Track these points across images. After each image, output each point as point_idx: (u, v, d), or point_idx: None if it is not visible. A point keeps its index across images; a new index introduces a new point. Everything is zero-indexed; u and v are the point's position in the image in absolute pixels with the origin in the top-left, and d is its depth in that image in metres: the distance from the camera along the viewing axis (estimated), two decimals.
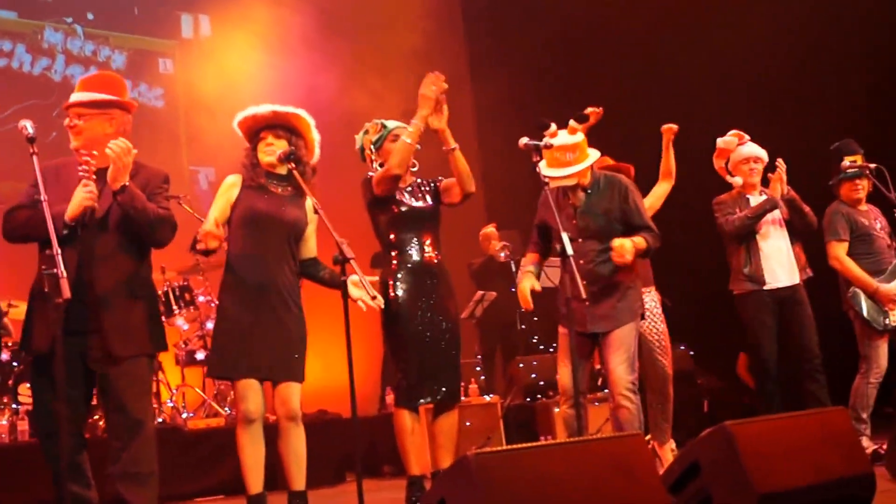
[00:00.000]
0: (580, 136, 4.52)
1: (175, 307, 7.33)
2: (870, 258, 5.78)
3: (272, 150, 4.28)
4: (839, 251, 5.80)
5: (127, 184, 3.67)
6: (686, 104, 8.63)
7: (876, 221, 5.86)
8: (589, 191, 4.60)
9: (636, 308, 4.64)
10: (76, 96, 3.88)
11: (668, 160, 5.68)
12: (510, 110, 9.74)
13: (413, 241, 4.57)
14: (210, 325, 7.52)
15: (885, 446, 4.99)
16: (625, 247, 4.37)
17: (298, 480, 4.21)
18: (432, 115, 4.40)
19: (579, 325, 4.57)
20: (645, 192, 5.49)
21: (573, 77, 10.20)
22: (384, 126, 4.67)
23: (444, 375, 4.55)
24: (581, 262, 4.44)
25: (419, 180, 4.73)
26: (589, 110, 4.98)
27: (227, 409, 7.14)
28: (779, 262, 5.73)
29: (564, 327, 4.67)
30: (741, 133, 5.86)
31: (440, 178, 4.74)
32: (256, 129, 4.35)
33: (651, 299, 5.54)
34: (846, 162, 5.80)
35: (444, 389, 4.55)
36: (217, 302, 4.39)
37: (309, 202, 4.23)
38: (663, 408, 5.54)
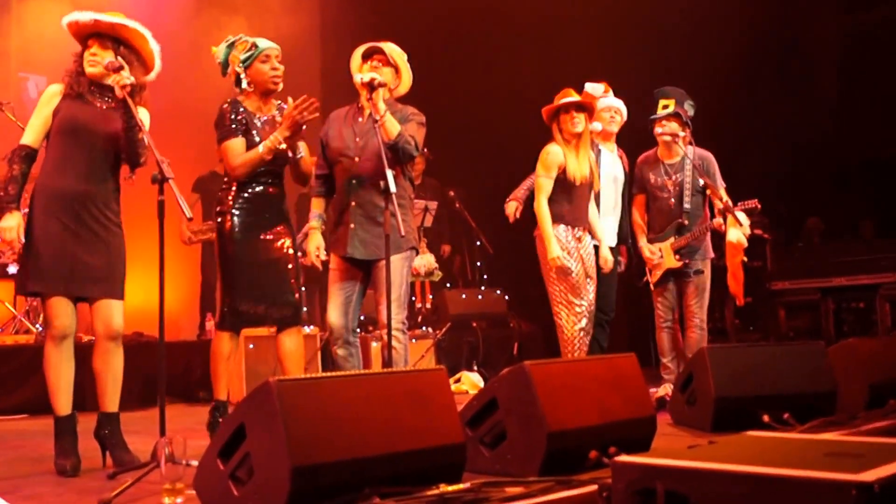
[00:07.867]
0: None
1: None
2: (652, 215, 6.10)
3: (96, 60, 4.11)
4: (632, 206, 6.14)
5: None
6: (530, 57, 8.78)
7: (675, 176, 5.96)
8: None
9: (409, 240, 4.59)
10: None
11: None
12: (356, 32, 9.54)
13: (256, 172, 4.50)
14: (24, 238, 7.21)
15: (670, 394, 5.38)
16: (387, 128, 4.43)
17: (113, 402, 4.10)
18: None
19: (341, 248, 4.63)
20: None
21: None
22: (256, 45, 4.54)
23: (283, 298, 4.50)
24: (354, 181, 4.61)
25: (281, 109, 4.63)
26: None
27: (38, 326, 6.90)
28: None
29: (335, 255, 4.68)
30: (607, 85, 6.09)
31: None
32: (84, 36, 4.16)
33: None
34: (659, 107, 6.03)
35: (286, 312, 4.50)
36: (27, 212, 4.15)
37: None
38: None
